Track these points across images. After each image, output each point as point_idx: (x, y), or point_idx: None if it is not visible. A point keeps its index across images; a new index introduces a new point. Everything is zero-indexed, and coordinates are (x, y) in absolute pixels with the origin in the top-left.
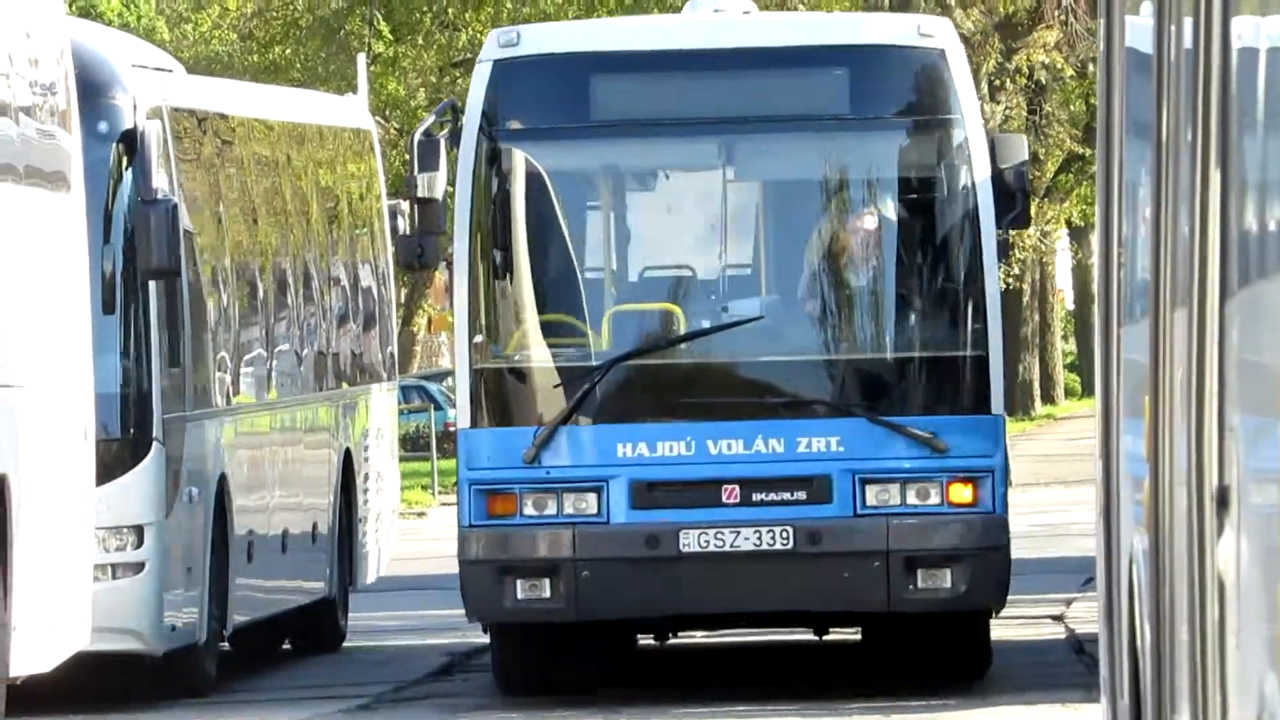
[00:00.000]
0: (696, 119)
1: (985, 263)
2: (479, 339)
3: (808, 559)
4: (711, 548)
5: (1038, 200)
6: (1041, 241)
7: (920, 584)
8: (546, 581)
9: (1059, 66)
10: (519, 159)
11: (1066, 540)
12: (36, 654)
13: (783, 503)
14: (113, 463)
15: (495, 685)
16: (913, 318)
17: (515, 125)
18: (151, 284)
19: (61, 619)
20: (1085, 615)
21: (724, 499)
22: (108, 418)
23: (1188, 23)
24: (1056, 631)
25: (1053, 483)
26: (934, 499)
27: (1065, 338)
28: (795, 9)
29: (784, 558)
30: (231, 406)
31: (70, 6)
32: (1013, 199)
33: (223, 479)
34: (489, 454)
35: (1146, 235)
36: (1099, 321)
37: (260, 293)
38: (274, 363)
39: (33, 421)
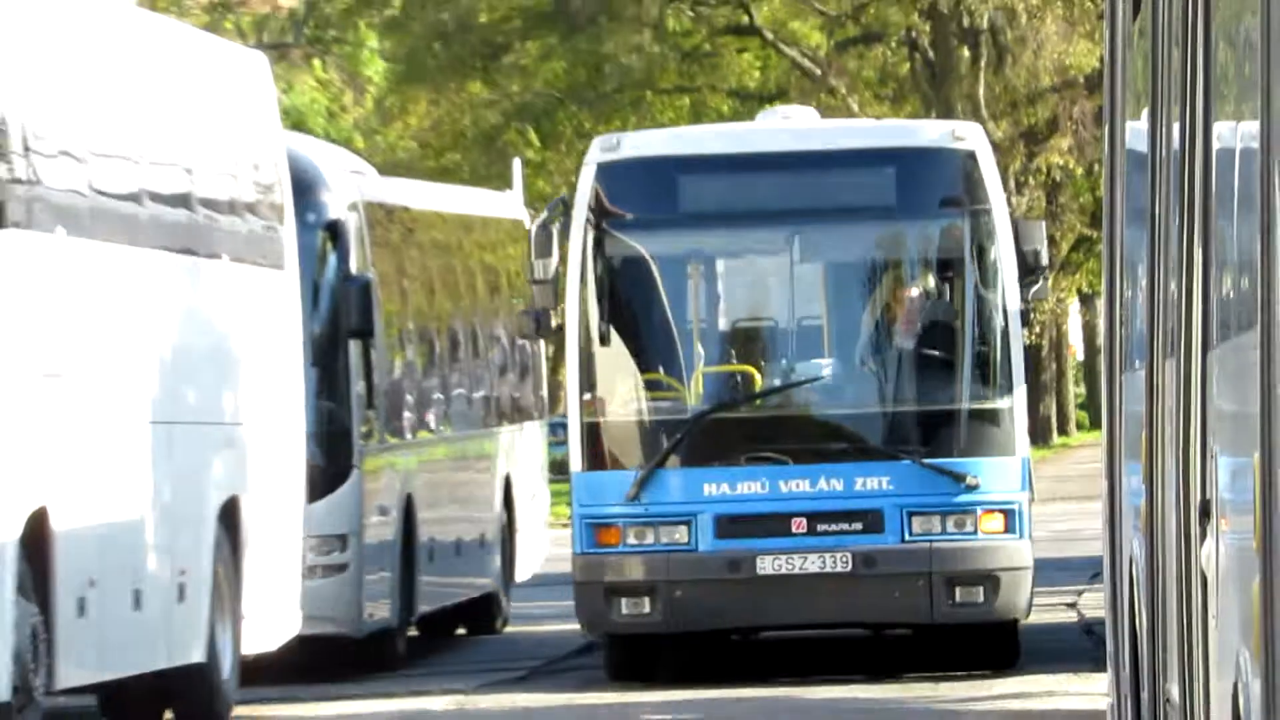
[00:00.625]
0: (767, 211)
1: (1011, 329)
2: (588, 396)
3: (864, 580)
4: (783, 570)
5: (1054, 273)
6: (1057, 306)
7: (958, 599)
8: (646, 599)
9: (1071, 167)
10: (618, 245)
11: (1078, 544)
12: (262, 637)
13: (842, 532)
14: (321, 485)
15: (606, 676)
16: (950, 376)
17: (615, 217)
18: (351, 343)
19: (281, 609)
20: (1093, 603)
21: (793, 529)
22: (317, 449)
23: (1175, 129)
24: (1070, 616)
25: (1067, 498)
26: (969, 528)
27: (1076, 383)
28: (852, 115)
29: (844, 578)
30: (415, 440)
31: (285, 121)
32: (1034, 274)
33: (409, 497)
34: (597, 493)
35: (1142, 301)
36: (1104, 370)
37: (436, 349)
38: (448, 405)
39: (257, 453)
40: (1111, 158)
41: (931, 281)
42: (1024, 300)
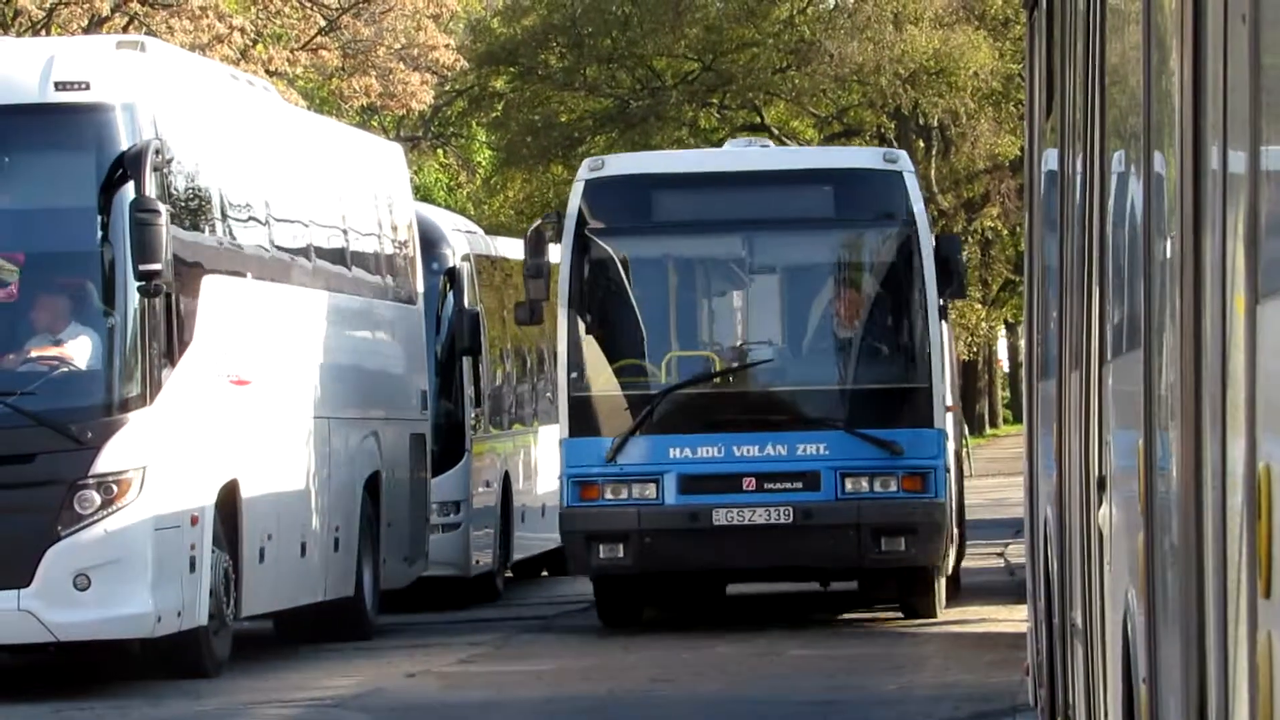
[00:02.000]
0: (727, 221)
1: (930, 320)
2: (574, 375)
3: (803, 530)
4: (735, 521)
5: (986, 308)
6: (989, 332)
7: (883, 548)
8: (621, 545)
9: (1000, 229)
10: (601, 249)
11: (1005, 508)
12: (398, 577)
13: (785, 490)
14: (442, 464)
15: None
16: (878, 360)
17: (599, 225)
18: (464, 359)
19: (410, 555)
20: (1016, 553)
21: (744, 487)
22: (438, 437)
23: (1077, 201)
24: (998, 563)
25: (997, 475)
26: (893, 488)
27: (1003, 388)
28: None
29: (786, 529)
30: (510, 430)
31: (416, 194)
32: (950, 277)
33: (506, 474)
34: (581, 456)
35: (1053, 327)
36: (1025, 379)
37: (525, 363)
38: (535, 404)
39: (394, 440)
40: (1031, 219)
41: (864, 281)
42: (941, 298)
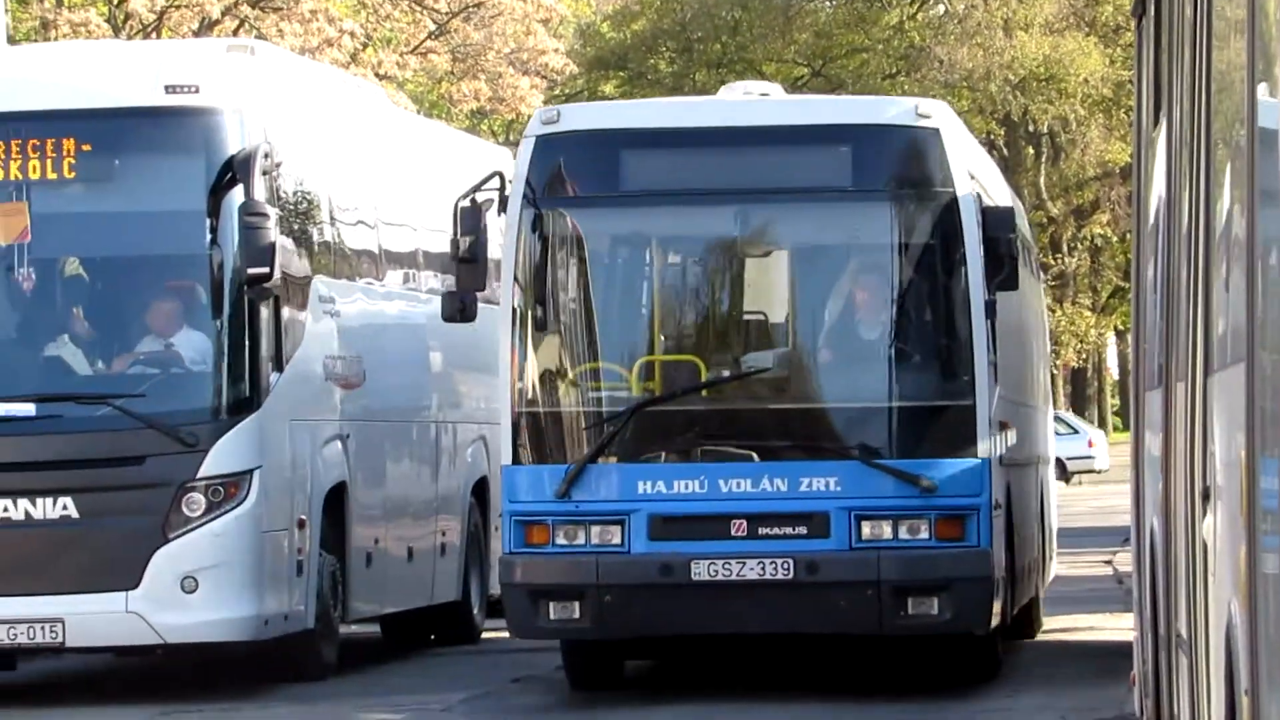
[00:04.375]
0: (714, 190)
1: (974, 320)
2: (520, 385)
3: (807, 588)
4: (719, 576)
5: (1096, 314)
6: (1099, 339)
7: (910, 610)
8: (576, 604)
9: (1109, 235)
10: (556, 225)
11: (1113, 516)
12: None
13: (785, 536)
14: None
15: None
16: (906, 370)
17: (554, 194)
18: None
19: None
20: (1123, 561)
21: (732, 532)
22: None
23: (1184, 209)
24: (1107, 570)
25: (1104, 482)
26: (923, 534)
27: (1112, 396)
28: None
29: (785, 587)
30: None
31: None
32: (1000, 263)
33: None
34: (526, 489)
35: (1160, 338)
36: (1132, 389)
37: None
38: None
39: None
40: (1139, 228)
41: (887, 269)
42: (990, 292)
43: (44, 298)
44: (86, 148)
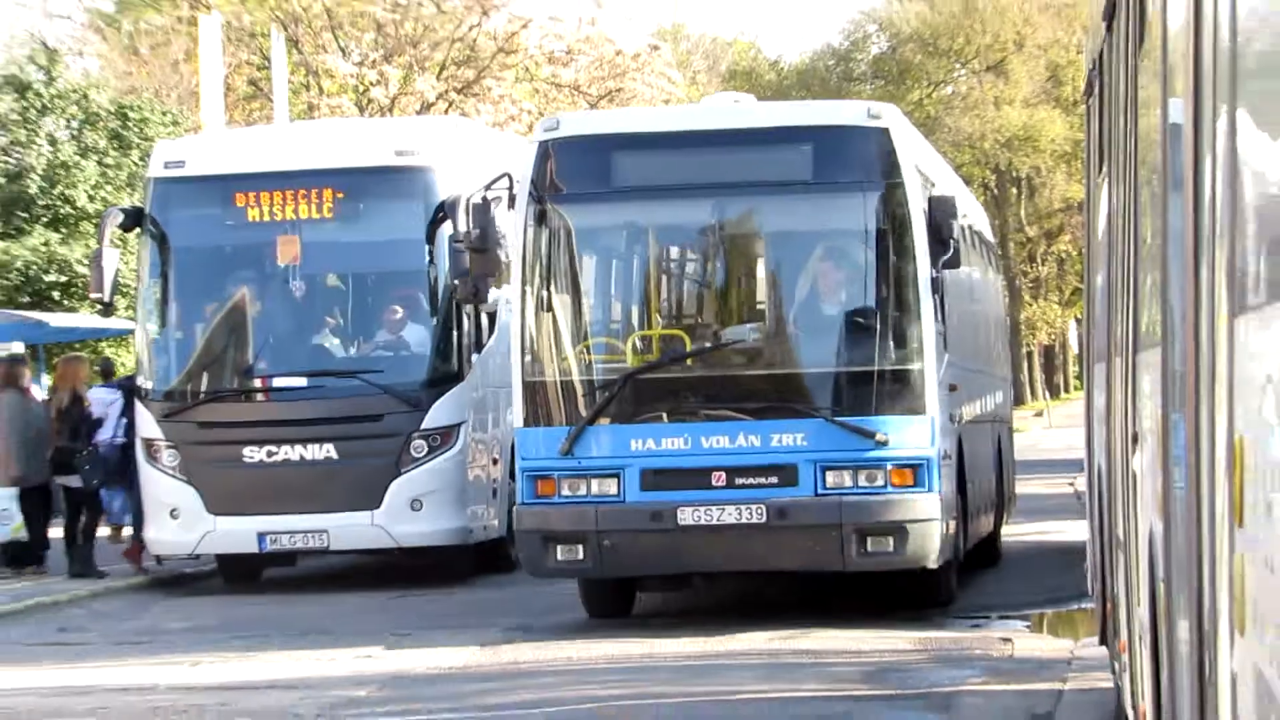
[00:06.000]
0: (693, 185)
1: (921, 295)
2: (528, 358)
3: (778, 530)
4: (702, 521)
5: (1061, 307)
6: (1063, 325)
7: (869, 549)
8: (580, 547)
9: (1071, 251)
10: (557, 217)
11: (1075, 450)
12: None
13: (759, 486)
14: None
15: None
16: (862, 339)
17: (556, 191)
18: None
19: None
20: (1081, 483)
21: (713, 483)
22: None
23: (1119, 233)
24: (1069, 490)
25: (1069, 426)
26: (879, 482)
27: (1073, 364)
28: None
29: (759, 529)
30: None
31: None
32: (945, 245)
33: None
34: (536, 448)
35: (1103, 325)
36: (1085, 360)
37: None
38: None
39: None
40: (1089, 246)
41: (847, 251)
42: (935, 269)
43: (310, 302)
44: (340, 195)
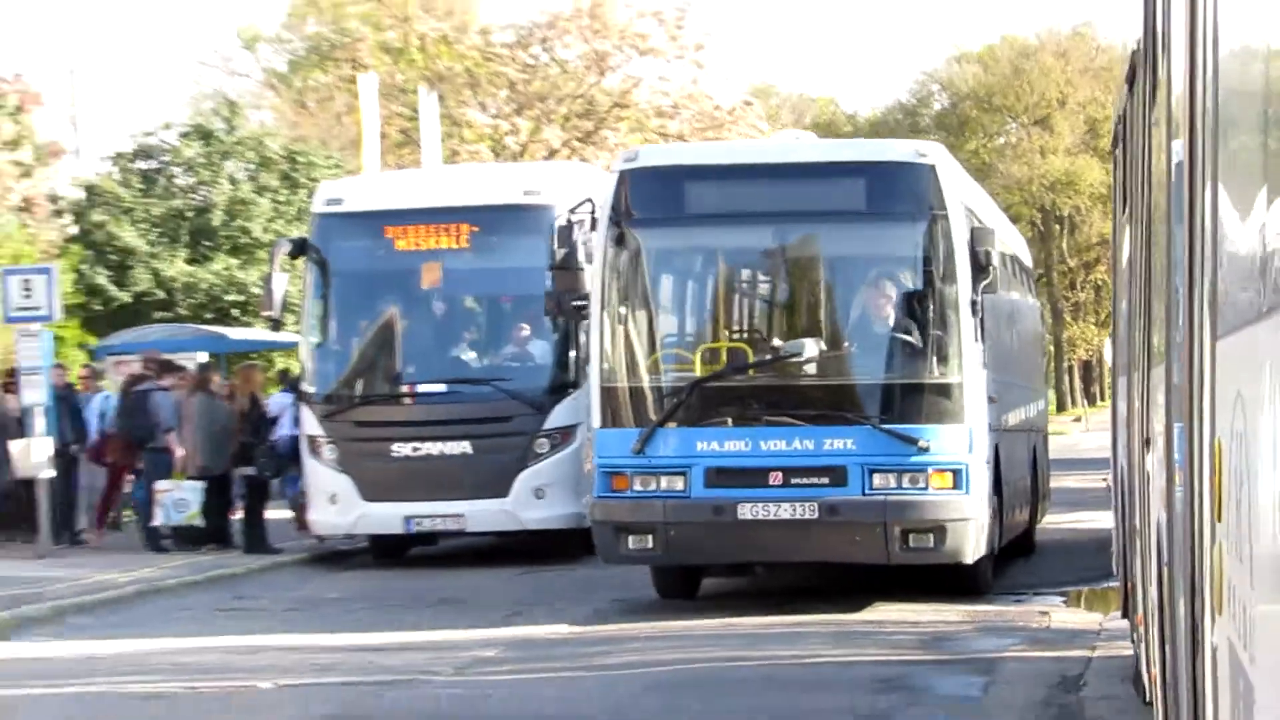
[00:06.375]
0: (758, 213)
1: (962, 315)
2: (606, 366)
3: (829, 525)
4: (760, 516)
5: (1098, 328)
6: (1099, 343)
7: (911, 544)
8: (649, 536)
9: (1106, 279)
10: (634, 240)
11: (1106, 451)
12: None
13: (811, 485)
14: None
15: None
16: (909, 354)
17: (632, 216)
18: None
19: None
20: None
21: (770, 482)
22: None
23: (1138, 265)
24: (1103, 485)
25: (1104, 429)
26: (921, 484)
27: (1107, 376)
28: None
29: (811, 524)
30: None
31: None
32: (984, 271)
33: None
34: (611, 447)
35: (1123, 344)
36: (1112, 374)
37: None
38: None
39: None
40: (1115, 276)
41: (895, 274)
42: (975, 292)
43: (449, 320)
44: (476, 229)
